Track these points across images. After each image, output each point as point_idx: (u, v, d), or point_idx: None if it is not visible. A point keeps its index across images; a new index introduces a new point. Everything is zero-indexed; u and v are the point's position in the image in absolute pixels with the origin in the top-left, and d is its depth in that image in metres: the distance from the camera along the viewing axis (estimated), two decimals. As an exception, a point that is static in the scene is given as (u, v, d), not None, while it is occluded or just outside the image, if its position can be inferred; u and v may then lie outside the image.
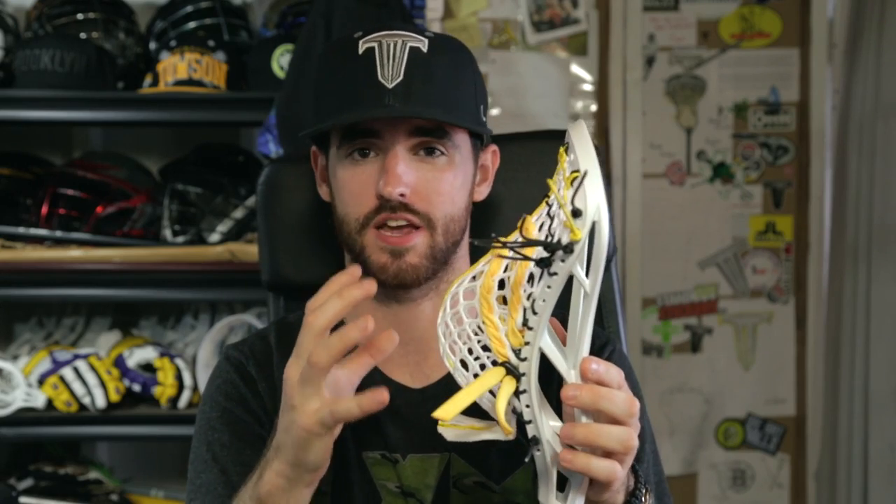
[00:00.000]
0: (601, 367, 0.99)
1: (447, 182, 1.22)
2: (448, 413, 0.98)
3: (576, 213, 0.92)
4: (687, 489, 3.19)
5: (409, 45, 1.21)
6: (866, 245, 2.92)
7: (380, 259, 1.20)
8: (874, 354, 2.92)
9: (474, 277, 1.03)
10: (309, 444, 1.02)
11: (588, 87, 3.12)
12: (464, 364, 1.04)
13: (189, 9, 2.83)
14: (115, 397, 2.61)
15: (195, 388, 2.63)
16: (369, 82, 1.19)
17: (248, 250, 2.57)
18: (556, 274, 0.95)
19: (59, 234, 2.65)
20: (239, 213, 2.70)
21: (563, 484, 1.04)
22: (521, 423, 1.01)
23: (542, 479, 1.03)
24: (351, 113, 1.19)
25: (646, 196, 3.13)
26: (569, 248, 0.93)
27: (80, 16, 2.80)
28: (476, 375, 1.02)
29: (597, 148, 0.98)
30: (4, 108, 2.66)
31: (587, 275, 0.95)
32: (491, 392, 1.01)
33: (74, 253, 2.61)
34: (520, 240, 0.98)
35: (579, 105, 3.12)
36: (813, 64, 3.13)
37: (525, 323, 0.98)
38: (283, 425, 1.04)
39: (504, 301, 1.01)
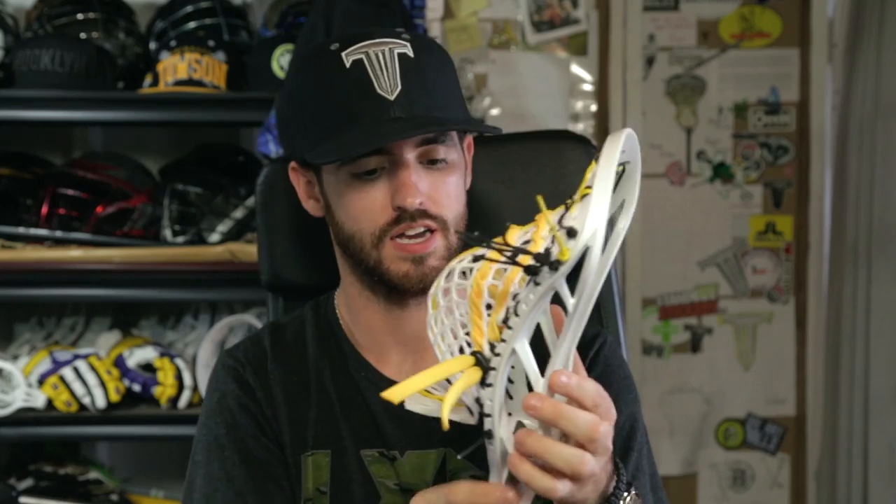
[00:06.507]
0: (572, 381, 0.97)
1: (452, 184, 1.23)
2: (396, 394, 0.95)
3: (571, 233, 0.90)
4: (687, 489, 3.19)
5: (396, 51, 1.20)
6: (866, 245, 2.92)
7: (401, 268, 1.21)
8: (874, 354, 2.92)
9: (475, 258, 1.01)
10: None
11: (588, 87, 3.12)
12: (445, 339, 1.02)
13: (189, 9, 2.83)
14: (115, 397, 2.61)
15: (195, 388, 2.63)
16: (369, 97, 1.18)
17: (248, 250, 2.57)
18: (539, 285, 0.93)
19: (59, 234, 2.64)
20: (239, 213, 2.70)
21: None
22: (482, 416, 0.99)
23: (492, 473, 1.02)
24: (358, 129, 1.18)
25: (646, 196, 3.11)
26: (554, 266, 0.91)
27: (80, 16, 2.80)
28: (453, 354, 1.00)
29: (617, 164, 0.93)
30: (4, 108, 2.66)
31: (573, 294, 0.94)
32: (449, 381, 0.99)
33: (74, 253, 2.61)
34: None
35: (579, 105, 3.12)
36: (813, 64, 3.13)
37: (506, 321, 0.97)
38: None
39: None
